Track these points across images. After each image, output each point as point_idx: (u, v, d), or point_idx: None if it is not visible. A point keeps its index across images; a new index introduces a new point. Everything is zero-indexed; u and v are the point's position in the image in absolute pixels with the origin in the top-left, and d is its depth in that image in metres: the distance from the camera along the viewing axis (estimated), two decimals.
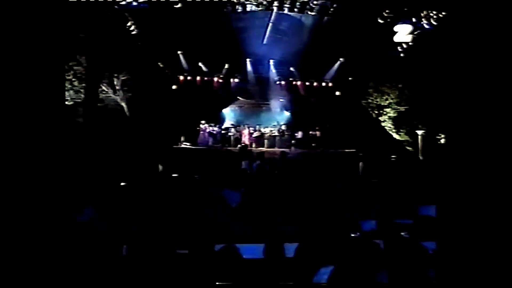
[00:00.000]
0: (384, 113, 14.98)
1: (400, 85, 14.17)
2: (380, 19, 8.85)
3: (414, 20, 8.34)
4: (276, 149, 13.15)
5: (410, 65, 12.55)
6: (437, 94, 12.19)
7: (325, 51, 12.80)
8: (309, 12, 9.21)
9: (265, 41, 12.21)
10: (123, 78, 12.83)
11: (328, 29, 11.18)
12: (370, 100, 15.11)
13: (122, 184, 4.16)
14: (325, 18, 10.45)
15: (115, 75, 12.66)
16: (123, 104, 13.28)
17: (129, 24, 9.77)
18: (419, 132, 14.14)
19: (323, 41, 12.13)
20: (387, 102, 14.82)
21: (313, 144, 13.70)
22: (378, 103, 14.99)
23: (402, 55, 11.47)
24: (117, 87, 12.93)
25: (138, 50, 11.45)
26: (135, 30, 10.11)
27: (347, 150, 13.09)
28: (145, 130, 12.08)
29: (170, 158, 11.47)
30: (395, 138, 15.09)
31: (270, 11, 10.49)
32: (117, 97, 13.11)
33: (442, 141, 13.52)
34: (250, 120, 15.17)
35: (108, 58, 10.98)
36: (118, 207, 3.44)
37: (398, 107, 14.69)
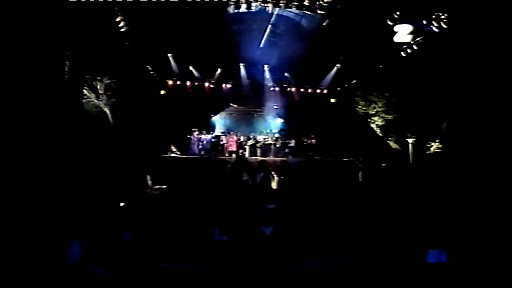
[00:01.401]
0: (372, 121, 14.91)
1: (387, 94, 14.13)
2: (389, 21, 8.49)
3: (424, 22, 8.01)
4: (274, 158, 12.50)
5: (407, 71, 12.44)
6: (427, 101, 12.36)
7: (322, 56, 12.40)
8: (318, 11, 8.71)
9: (261, 44, 11.60)
10: (107, 81, 11.84)
11: (327, 33, 10.73)
12: (358, 108, 14.97)
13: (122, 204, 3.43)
14: (326, 21, 9.99)
15: (98, 78, 11.65)
16: (107, 110, 12.25)
17: (118, 19, 8.83)
18: (410, 140, 14.05)
19: (321, 46, 11.70)
20: (375, 110, 14.76)
21: (310, 153, 13.16)
22: (366, 111, 14.91)
23: (404, 58, 11.14)
24: (100, 92, 11.92)
25: (125, 50, 10.50)
26: (125, 27, 9.17)
27: (345, 159, 12.63)
28: (131, 138, 11.14)
29: (159, 168, 10.67)
30: (389, 146, 14.97)
31: (269, 13, 9.88)
32: (100, 103, 12.08)
33: (432, 149, 13.65)
34: (242, 127, 14.54)
35: (91, 58, 9.98)
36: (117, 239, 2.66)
37: (386, 116, 14.65)
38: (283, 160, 10.41)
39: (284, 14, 10.14)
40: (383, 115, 14.66)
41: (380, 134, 14.82)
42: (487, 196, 1.74)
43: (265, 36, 11.27)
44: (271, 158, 12.60)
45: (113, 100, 12.10)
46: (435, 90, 11.68)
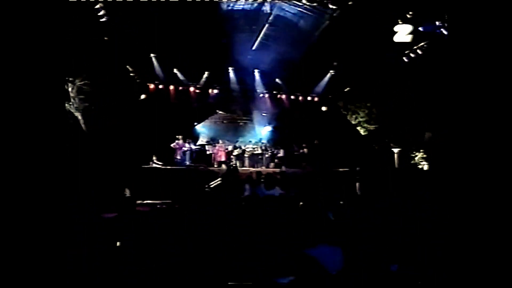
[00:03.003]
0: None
1: (368, 104, 14.09)
2: (401, 21, 8.05)
3: (437, 23, 7.64)
4: (266, 169, 11.62)
5: (392, 81, 12.32)
6: (410, 111, 12.32)
7: (317, 62, 11.84)
8: (330, 6, 8.08)
9: (254, 47, 10.77)
10: (79, 83, 10.50)
11: (324, 36, 10.17)
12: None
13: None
14: (325, 23, 9.43)
15: (70, 79, 10.32)
16: (78, 115, 10.89)
17: (97, 6, 7.59)
18: (395, 150, 14.05)
19: (316, 50, 11.13)
20: (357, 120, 14.71)
21: (303, 164, 12.44)
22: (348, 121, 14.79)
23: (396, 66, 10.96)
24: (71, 95, 10.58)
25: (102, 47, 9.25)
26: (105, 17, 7.94)
27: (341, 169, 12.00)
28: (106, 147, 9.87)
29: (140, 181, 9.49)
30: (380, 155, 14.78)
31: (266, 13, 9.13)
32: (71, 107, 10.71)
33: (416, 159, 13.72)
34: (227, 136, 13.61)
35: (61, 56, 8.63)
36: None
37: (368, 126, 14.50)
38: (282, 172, 9.59)
39: (282, 14, 9.43)
40: (366, 125, 14.60)
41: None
42: (485, 198, 1.82)
43: (259, 38, 10.45)
44: (263, 169, 11.73)
45: (86, 104, 10.83)
46: (418, 100, 11.62)
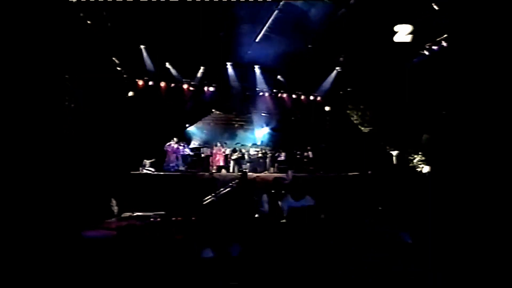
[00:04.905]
0: None
1: (362, 106, 13.79)
2: (435, 4, 7.31)
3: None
4: (270, 174, 10.63)
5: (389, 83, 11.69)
6: (406, 114, 11.79)
7: (324, 56, 10.97)
8: None
9: (258, 39, 9.75)
10: None
11: (336, 27, 9.31)
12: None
13: None
14: (340, 11, 8.57)
15: None
16: None
17: None
18: (394, 152, 13.46)
19: (325, 44, 10.27)
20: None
21: (310, 167, 11.55)
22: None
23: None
24: None
25: (85, 34, 8.04)
26: None
27: (350, 174, 11.17)
28: (88, 151, 8.67)
29: (129, 189, 8.41)
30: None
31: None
32: None
33: (415, 161, 13.35)
34: (223, 138, 12.60)
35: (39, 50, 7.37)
36: None
37: (362, 128, 14.19)
38: (294, 176, 8.63)
39: (291, 1, 8.49)
40: (359, 127, 14.29)
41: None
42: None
43: (264, 29, 9.43)
44: (266, 174, 10.73)
45: (65, 102, 9.45)
46: (416, 101, 11.08)
